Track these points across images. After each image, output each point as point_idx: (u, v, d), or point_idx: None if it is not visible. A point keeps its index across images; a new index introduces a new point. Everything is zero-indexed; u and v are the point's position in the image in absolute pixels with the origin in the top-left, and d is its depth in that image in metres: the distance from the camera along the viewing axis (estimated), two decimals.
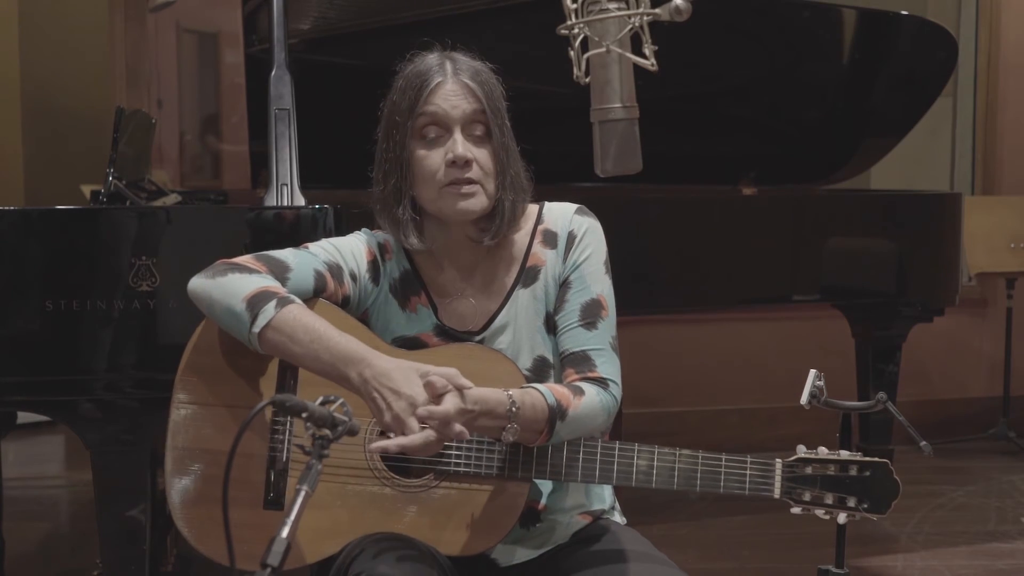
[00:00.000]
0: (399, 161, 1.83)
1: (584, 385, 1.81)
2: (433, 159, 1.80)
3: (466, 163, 1.79)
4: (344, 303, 1.88)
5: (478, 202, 1.81)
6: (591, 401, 1.79)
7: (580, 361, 1.84)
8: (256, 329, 1.73)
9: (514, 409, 1.68)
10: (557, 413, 1.73)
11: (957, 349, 5.22)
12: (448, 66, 1.82)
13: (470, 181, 1.80)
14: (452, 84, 1.80)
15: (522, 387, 1.75)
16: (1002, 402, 4.93)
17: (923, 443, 1.87)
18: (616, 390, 1.84)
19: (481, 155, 1.81)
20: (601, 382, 1.82)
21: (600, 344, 1.85)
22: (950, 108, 5.31)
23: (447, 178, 1.80)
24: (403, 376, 1.67)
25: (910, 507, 3.97)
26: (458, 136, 1.80)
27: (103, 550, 2.41)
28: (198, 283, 1.81)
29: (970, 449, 4.87)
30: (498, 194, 1.83)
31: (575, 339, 1.85)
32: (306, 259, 1.85)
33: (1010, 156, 5.25)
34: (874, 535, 3.72)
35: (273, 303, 1.74)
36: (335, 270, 1.86)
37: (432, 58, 1.84)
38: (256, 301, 1.74)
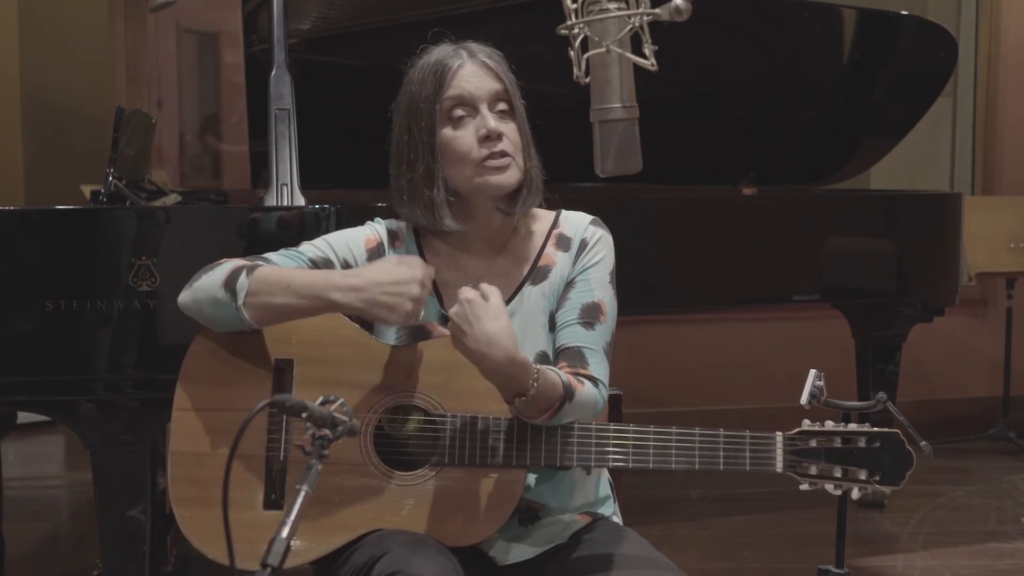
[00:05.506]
0: (428, 147, 1.87)
1: (581, 378, 1.83)
2: (465, 139, 1.85)
3: (499, 136, 1.85)
4: None
5: (513, 175, 1.86)
6: (591, 391, 1.83)
7: (574, 356, 1.86)
8: (240, 302, 1.79)
9: (536, 376, 1.71)
10: (568, 393, 1.76)
11: (957, 349, 5.22)
12: (463, 52, 1.89)
13: (504, 154, 1.85)
14: (472, 65, 1.87)
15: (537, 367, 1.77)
16: (1002, 402, 4.92)
17: (923, 443, 1.86)
18: (604, 391, 1.87)
19: (509, 130, 1.87)
20: (592, 380, 1.85)
21: (595, 345, 1.88)
22: (950, 108, 5.31)
23: (482, 154, 1.84)
24: (386, 269, 1.79)
25: (910, 507, 3.96)
26: (486, 112, 1.86)
27: (103, 550, 2.41)
28: (183, 296, 1.87)
29: (970, 449, 4.86)
30: (526, 165, 1.89)
31: (572, 335, 1.88)
32: (290, 258, 1.90)
33: (1010, 156, 5.25)
34: (874, 535, 3.72)
35: (244, 274, 1.81)
36: (322, 265, 1.90)
37: (446, 47, 1.90)
38: (231, 281, 1.81)
